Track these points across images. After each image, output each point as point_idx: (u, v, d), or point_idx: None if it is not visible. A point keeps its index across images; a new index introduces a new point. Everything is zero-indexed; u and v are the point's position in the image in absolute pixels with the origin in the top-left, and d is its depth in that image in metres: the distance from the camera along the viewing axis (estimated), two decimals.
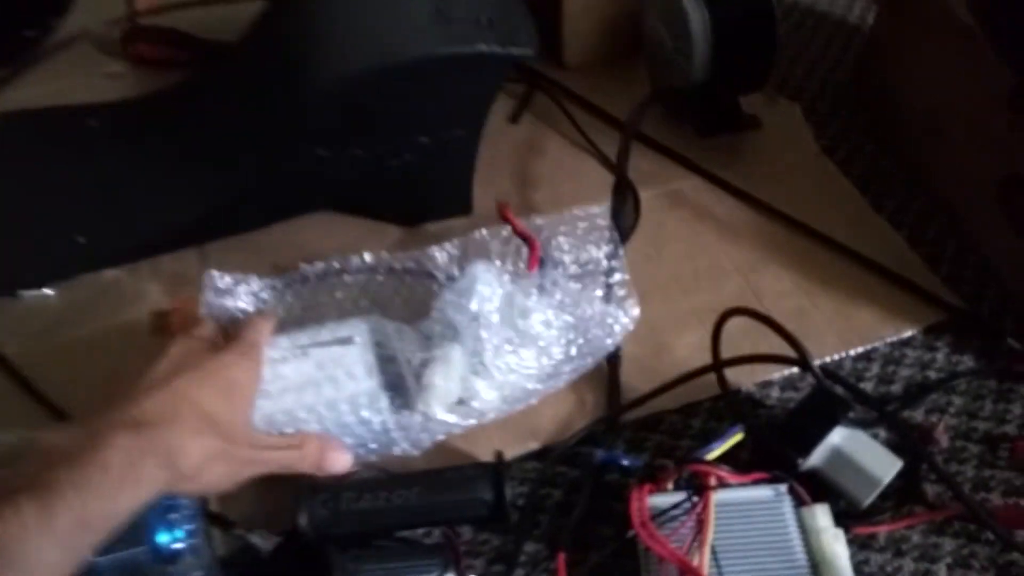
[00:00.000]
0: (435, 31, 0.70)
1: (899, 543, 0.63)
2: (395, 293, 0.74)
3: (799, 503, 0.60)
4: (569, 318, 0.68)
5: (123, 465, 0.48)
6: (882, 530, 0.63)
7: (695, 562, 0.56)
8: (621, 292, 0.70)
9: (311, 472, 0.61)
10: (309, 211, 0.84)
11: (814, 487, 0.61)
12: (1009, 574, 0.62)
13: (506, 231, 0.73)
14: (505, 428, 0.68)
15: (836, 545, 0.58)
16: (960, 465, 0.67)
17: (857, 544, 0.63)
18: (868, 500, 0.62)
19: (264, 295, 0.71)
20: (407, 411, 0.63)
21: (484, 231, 0.73)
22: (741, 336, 0.69)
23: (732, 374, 0.70)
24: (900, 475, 0.63)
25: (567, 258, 0.72)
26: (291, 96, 0.73)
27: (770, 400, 0.71)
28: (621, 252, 0.72)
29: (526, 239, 0.71)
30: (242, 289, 0.70)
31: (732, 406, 0.70)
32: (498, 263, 0.70)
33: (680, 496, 0.59)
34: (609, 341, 0.68)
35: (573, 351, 0.67)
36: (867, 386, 0.72)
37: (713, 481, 0.60)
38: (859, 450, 0.63)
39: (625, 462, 0.66)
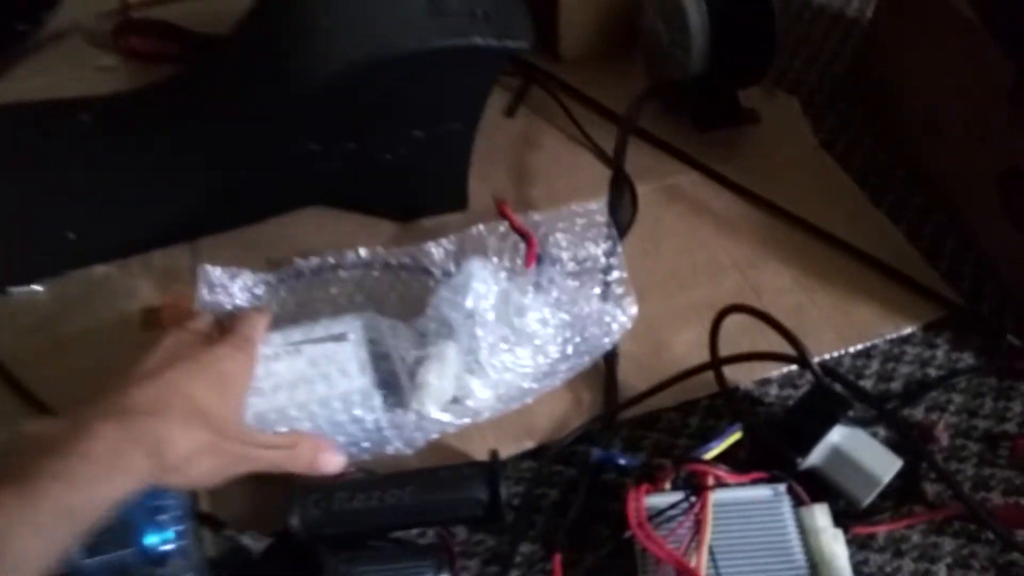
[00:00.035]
0: (429, 23, 0.69)
1: (899, 543, 0.63)
2: (390, 289, 0.73)
3: (798, 503, 0.60)
4: (566, 316, 0.67)
5: (108, 454, 0.48)
6: (881, 530, 0.63)
7: (693, 563, 0.55)
8: (619, 290, 0.70)
9: (302, 472, 0.60)
10: (302, 206, 0.83)
11: (813, 487, 0.61)
12: (1009, 574, 0.61)
13: (503, 227, 0.72)
14: (500, 426, 0.67)
15: (835, 545, 0.58)
16: (960, 464, 0.67)
17: (856, 544, 0.62)
18: (868, 500, 0.62)
19: (258, 290, 0.71)
20: (400, 409, 0.62)
21: (481, 227, 0.72)
22: (739, 333, 0.69)
23: (730, 372, 0.69)
24: (900, 474, 0.62)
25: (565, 255, 0.71)
26: (283, 89, 0.73)
27: (768, 398, 0.71)
28: (619, 249, 0.72)
29: (523, 235, 0.71)
30: (236, 284, 0.69)
31: (730, 404, 0.69)
32: (495, 260, 0.70)
33: (678, 496, 0.59)
34: (606, 340, 0.68)
35: (569, 350, 0.67)
36: (866, 384, 0.72)
37: (711, 481, 0.59)
38: (858, 449, 0.63)
39: (622, 461, 0.65)
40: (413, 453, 0.64)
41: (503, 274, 0.68)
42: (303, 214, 0.83)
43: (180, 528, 0.59)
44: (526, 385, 0.65)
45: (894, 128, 0.90)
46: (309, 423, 0.61)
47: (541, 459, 0.67)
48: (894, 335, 0.75)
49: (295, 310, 0.71)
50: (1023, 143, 0.72)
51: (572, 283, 0.70)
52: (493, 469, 0.61)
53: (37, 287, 0.78)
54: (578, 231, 0.72)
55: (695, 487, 0.59)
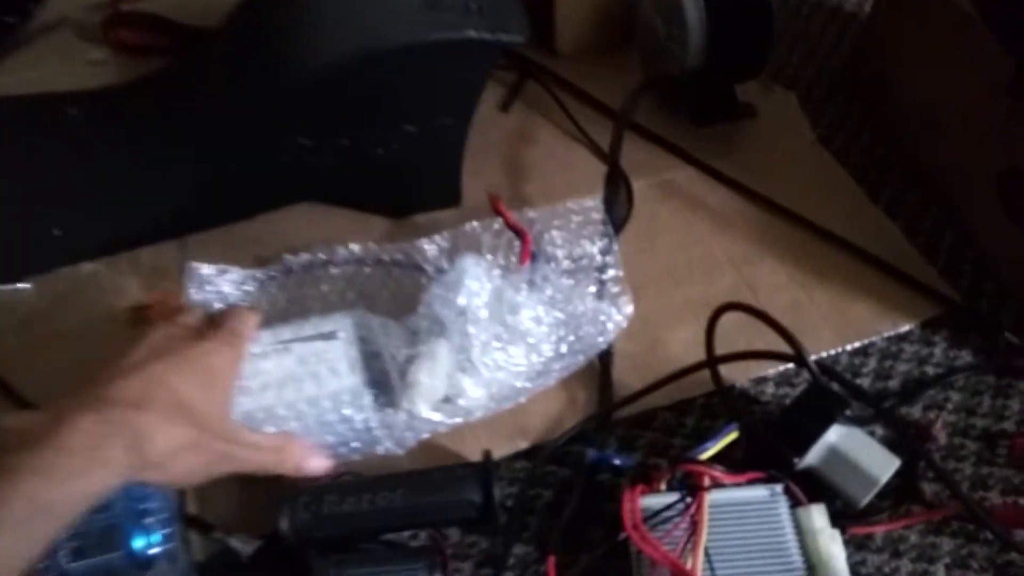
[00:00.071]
0: (422, 16, 0.69)
1: (896, 543, 0.62)
2: (382, 286, 0.72)
3: (795, 503, 0.60)
4: (560, 314, 0.66)
5: (87, 447, 0.47)
6: (879, 530, 0.62)
7: (688, 565, 0.55)
8: (615, 289, 0.69)
9: (287, 474, 0.59)
10: (293, 202, 0.83)
11: (810, 487, 0.61)
12: (1008, 574, 0.61)
13: (498, 224, 0.72)
14: (493, 426, 0.67)
15: (833, 546, 0.57)
16: (958, 463, 0.66)
17: (854, 544, 0.62)
18: (865, 500, 0.61)
19: (248, 287, 0.70)
20: (391, 409, 0.62)
21: (475, 224, 0.72)
22: (735, 331, 0.68)
23: (726, 370, 0.68)
24: (897, 473, 0.62)
25: (560, 252, 0.71)
26: (274, 83, 0.72)
27: (765, 396, 0.70)
28: (615, 247, 0.71)
29: (518, 232, 0.70)
30: (225, 281, 0.69)
31: (726, 403, 0.69)
32: (489, 257, 0.69)
33: (673, 497, 0.58)
34: (601, 339, 0.67)
35: (564, 348, 0.66)
36: (864, 382, 0.71)
37: (707, 481, 0.59)
38: (856, 448, 0.62)
39: (617, 461, 0.65)
40: (404, 453, 0.63)
41: (496, 271, 0.67)
42: (294, 210, 0.82)
43: (167, 531, 0.58)
44: (519, 384, 0.64)
45: (892, 123, 0.90)
46: (298, 423, 0.60)
47: (535, 459, 0.66)
48: (892, 333, 0.74)
49: (285, 308, 0.70)
50: (1022, 139, 0.71)
51: (567, 281, 0.69)
52: (486, 470, 0.60)
53: (23, 284, 0.77)
54: (574, 228, 0.72)
55: (691, 488, 0.58)
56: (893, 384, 0.71)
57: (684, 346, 0.72)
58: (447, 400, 0.63)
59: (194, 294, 0.67)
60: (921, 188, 0.85)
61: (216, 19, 0.83)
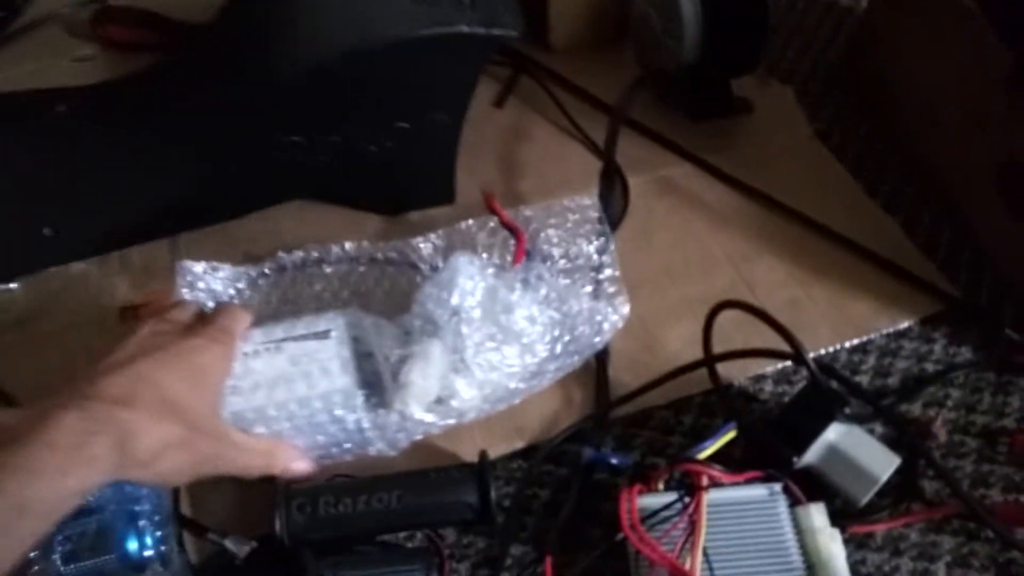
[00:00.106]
0: (415, 10, 0.68)
1: (897, 542, 0.62)
2: (376, 284, 0.72)
3: (794, 502, 0.59)
4: (555, 314, 0.66)
5: (69, 444, 0.46)
6: (879, 529, 0.62)
7: (687, 565, 0.55)
8: (611, 288, 0.69)
9: (273, 475, 0.60)
10: (286, 200, 0.82)
11: (809, 486, 0.61)
12: (1009, 573, 0.61)
13: (493, 222, 0.71)
14: (489, 426, 0.66)
15: (832, 545, 0.57)
16: (959, 460, 0.66)
17: (854, 543, 0.61)
18: (865, 498, 0.61)
19: (240, 284, 0.70)
20: (383, 410, 0.61)
21: (470, 222, 0.71)
22: (733, 328, 0.68)
23: (724, 368, 0.68)
24: (897, 471, 0.62)
25: (556, 251, 0.70)
26: (266, 79, 0.72)
27: (763, 394, 0.70)
28: (612, 247, 0.71)
29: (512, 231, 0.70)
30: (217, 278, 0.68)
31: (724, 401, 0.68)
32: (484, 255, 0.69)
33: (671, 497, 0.58)
34: (597, 340, 0.67)
35: (558, 349, 0.66)
36: (863, 379, 0.71)
37: (705, 481, 0.58)
38: (855, 447, 0.62)
39: (614, 460, 0.64)
40: (396, 454, 0.63)
41: (491, 270, 0.66)
42: (286, 208, 0.82)
43: (161, 533, 0.58)
44: (513, 385, 0.64)
45: (890, 118, 0.89)
46: (288, 423, 0.60)
47: (531, 459, 0.66)
48: (890, 329, 0.74)
49: (277, 306, 0.70)
50: (1022, 133, 0.71)
51: (563, 281, 0.68)
52: (482, 471, 0.60)
53: (13, 285, 0.76)
54: (570, 227, 0.71)
55: (689, 487, 0.58)
56: (892, 381, 0.71)
57: (681, 344, 0.71)
58: (440, 401, 0.62)
59: (185, 293, 0.66)
60: (919, 183, 0.84)
61: (207, 14, 0.82)
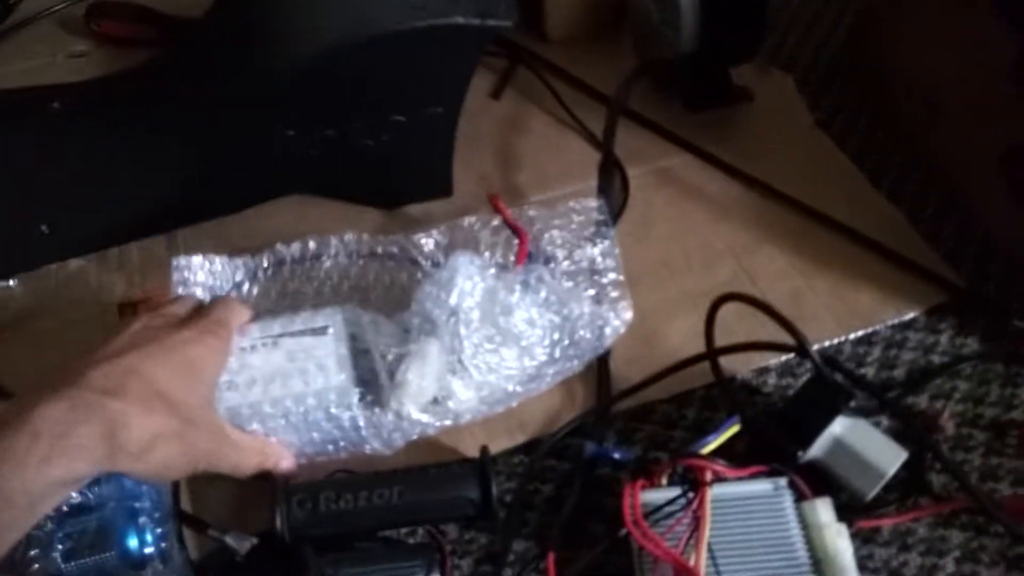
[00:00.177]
0: (410, 3, 0.68)
1: (905, 537, 0.61)
2: (376, 279, 0.72)
3: (799, 497, 0.59)
4: (555, 317, 0.65)
5: (54, 434, 0.45)
6: (887, 523, 0.61)
7: (691, 561, 0.54)
8: (614, 293, 0.68)
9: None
10: (283, 195, 0.82)
11: (815, 480, 0.60)
12: (1019, 568, 0.60)
13: (496, 220, 0.71)
14: (490, 421, 0.66)
15: (839, 540, 0.57)
16: (967, 453, 0.65)
17: (860, 538, 0.61)
18: (872, 493, 0.60)
19: (239, 275, 0.69)
20: (379, 409, 0.61)
21: (473, 219, 0.71)
22: (735, 321, 0.67)
23: (727, 361, 0.67)
24: (904, 465, 0.61)
25: (560, 253, 0.70)
26: (261, 73, 0.72)
27: (767, 388, 0.69)
28: (616, 250, 0.70)
29: (516, 231, 0.69)
30: (214, 272, 0.68)
31: (727, 395, 0.68)
32: (486, 254, 0.69)
33: (675, 492, 0.58)
34: (597, 344, 0.66)
35: (557, 353, 0.65)
36: (868, 371, 0.70)
37: (709, 476, 0.58)
38: (861, 440, 0.61)
39: (616, 455, 0.64)
40: (392, 453, 0.62)
41: (492, 270, 0.66)
42: (284, 203, 0.82)
43: (161, 530, 0.58)
44: (511, 388, 0.64)
45: (891, 106, 0.88)
46: (284, 420, 0.60)
47: (533, 454, 0.65)
48: (896, 321, 0.73)
49: (276, 300, 0.70)
50: None
51: (565, 283, 0.68)
52: (484, 467, 0.60)
53: (10, 282, 0.76)
54: (575, 228, 0.71)
55: (692, 482, 0.58)
56: (898, 374, 0.70)
57: (683, 337, 0.71)
58: (436, 402, 0.62)
59: (181, 288, 0.66)
60: (922, 172, 0.84)
61: (201, 9, 0.81)
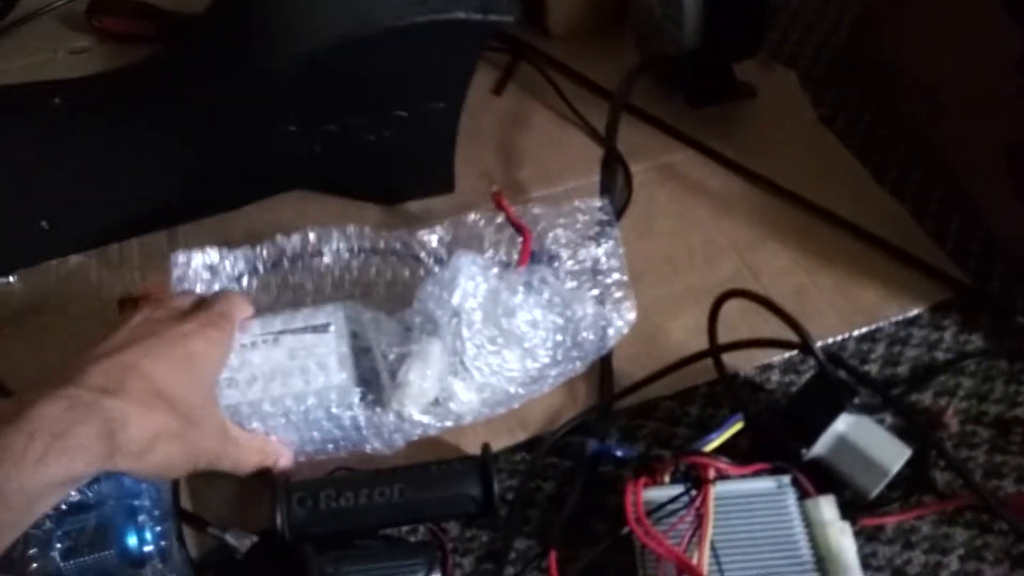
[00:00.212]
0: None
1: (908, 534, 0.61)
2: (378, 275, 0.71)
3: (803, 495, 0.59)
4: (558, 319, 0.65)
5: (51, 434, 0.45)
6: (890, 521, 0.61)
7: (694, 559, 0.54)
8: (618, 293, 0.68)
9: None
10: (284, 191, 0.82)
11: (818, 478, 0.60)
12: None
13: (500, 217, 0.70)
14: (492, 418, 0.65)
15: (843, 538, 0.56)
16: (971, 451, 0.65)
17: (864, 536, 0.61)
18: (876, 490, 0.60)
19: (239, 266, 0.68)
20: (380, 409, 0.61)
21: (477, 216, 0.70)
22: (739, 317, 0.67)
23: (730, 358, 0.67)
24: (908, 463, 0.61)
25: (564, 252, 0.69)
26: (262, 68, 0.72)
27: (770, 384, 0.69)
28: (621, 250, 0.70)
29: (520, 229, 0.68)
30: (213, 264, 0.67)
31: (730, 391, 0.68)
32: (490, 252, 0.68)
33: (677, 489, 0.57)
34: (600, 346, 0.66)
35: (560, 355, 0.65)
36: (871, 368, 0.70)
37: (712, 473, 0.57)
38: (865, 438, 0.61)
39: (619, 452, 0.64)
40: (392, 453, 0.62)
41: (494, 270, 0.65)
42: (286, 199, 0.81)
43: (161, 528, 0.58)
44: (512, 390, 0.63)
45: (894, 102, 0.88)
46: (284, 418, 0.59)
47: (535, 451, 0.65)
48: (900, 317, 0.73)
49: (277, 294, 0.69)
50: None
51: (569, 283, 0.68)
52: (485, 464, 0.59)
53: (10, 279, 0.76)
54: (579, 228, 0.70)
55: (695, 480, 0.57)
56: (902, 370, 0.70)
57: (686, 334, 0.70)
58: (437, 403, 0.62)
59: (181, 282, 0.65)
60: (926, 168, 0.83)
61: (202, 5, 0.82)
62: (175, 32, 0.94)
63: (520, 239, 0.68)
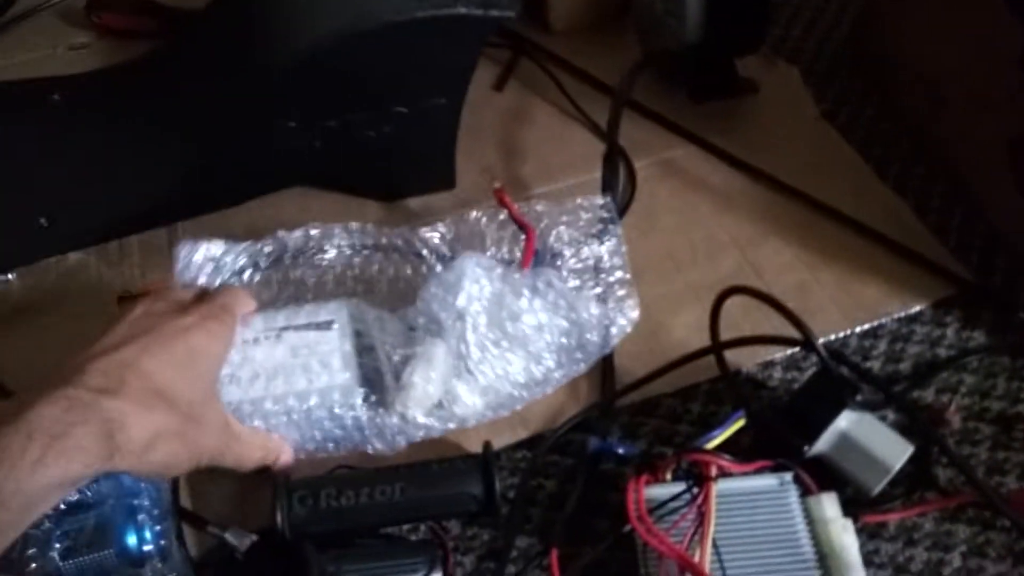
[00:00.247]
0: None
1: (911, 531, 0.61)
2: (381, 272, 0.71)
3: (805, 492, 0.59)
4: (563, 322, 0.65)
5: (50, 435, 0.44)
6: (893, 518, 0.61)
7: (696, 557, 0.54)
8: (621, 291, 0.68)
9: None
10: (284, 187, 0.82)
11: (820, 475, 0.60)
12: None
13: (503, 215, 0.70)
14: None
15: (845, 536, 0.56)
16: (973, 447, 0.65)
17: (866, 533, 0.61)
18: (878, 487, 0.60)
19: (241, 262, 0.68)
20: (383, 410, 0.60)
21: (479, 213, 0.70)
22: (741, 314, 0.67)
23: (732, 355, 0.67)
24: (910, 459, 0.60)
25: (567, 251, 0.69)
26: (262, 64, 0.72)
27: (772, 381, 0.69)
28: (623, 248, 0.69)
29: (523, 227, 0.68)
30: (217, 259, 0.66)
31: (732, 389, 0.67)
32: (492, 249, 0.68)
33: (679, 487, 0.57)
34: (604, 346, 0.66)
35: (564, 357, 0.65)
36: (874, 365, 0.70)
37: (714, 471, 0.57)
38: (867, 435, 0.60)
39: (620, 450, 0.63)
40: (394, 454, 0.62)
41: (498, 270, 0.65)
42: (287, 195, 0.81)
43: (160, 527, 0.57)
44: (516, 393, 0.63)
45: (896, 98, 0.88)
46: (285, 417, 0.59)
47: (536, 449, 0.65)
48: (902, 314, 0.72)
49: (279, 289, 0.69)
50: None
51: (572, 282, 0.67)
52: (487, 463, 0.59)
53: (9, 276, 0.76)
54: (582, 226, 0.70)
55: (697, 477, 0.57)
56: (904, 367, 0.70)
57: (687, 331, 0.70)
58: (441, 406, 0.61)
59: (184, 275, 0.65)
60: (928, 163, 0.83)
61: (202, 0, 0.82)
62: (175, 28, 0.94)
63: (523, 236, 0.68)
